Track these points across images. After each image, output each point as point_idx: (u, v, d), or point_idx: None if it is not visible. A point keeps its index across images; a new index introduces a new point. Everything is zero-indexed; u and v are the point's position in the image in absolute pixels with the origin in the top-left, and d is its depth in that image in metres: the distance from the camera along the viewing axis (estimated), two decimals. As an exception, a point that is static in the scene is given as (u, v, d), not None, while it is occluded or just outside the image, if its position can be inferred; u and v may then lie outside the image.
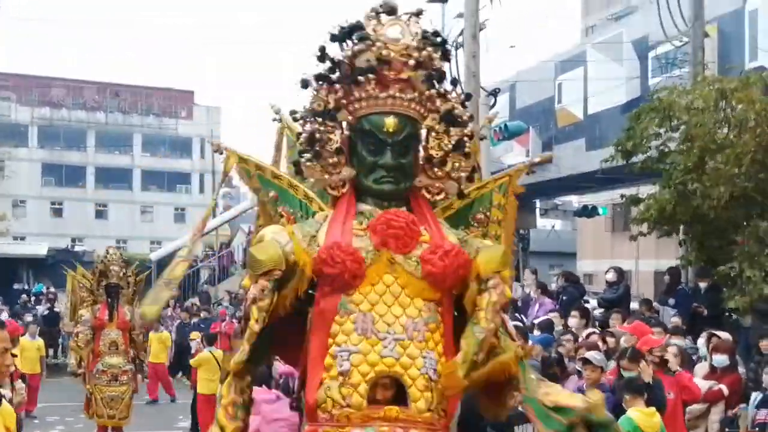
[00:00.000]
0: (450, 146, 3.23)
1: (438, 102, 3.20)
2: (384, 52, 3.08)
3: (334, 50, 3.19)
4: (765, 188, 9.83)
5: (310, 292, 3.10)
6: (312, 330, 3.09)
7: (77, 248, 37.42)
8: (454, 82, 3.41)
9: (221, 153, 3.71)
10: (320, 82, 3.18)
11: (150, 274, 16.12)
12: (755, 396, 7.03)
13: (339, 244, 3.02)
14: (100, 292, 9.46)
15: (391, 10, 3.17)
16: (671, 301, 10.60)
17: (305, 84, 3.22)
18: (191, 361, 12.21)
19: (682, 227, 10.93)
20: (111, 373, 9.22)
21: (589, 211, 22.29)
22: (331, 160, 3.18)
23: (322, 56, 3.18)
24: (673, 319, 9.60)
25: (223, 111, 51.79)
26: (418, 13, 3.21)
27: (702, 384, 7.16)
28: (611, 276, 11.27)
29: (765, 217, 9.73)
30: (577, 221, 28.27)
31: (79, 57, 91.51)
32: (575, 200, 27.93)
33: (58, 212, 48.39)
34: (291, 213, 3.52)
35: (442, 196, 3.31)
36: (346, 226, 3.12)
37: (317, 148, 3.18)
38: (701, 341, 8.38)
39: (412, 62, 3.10)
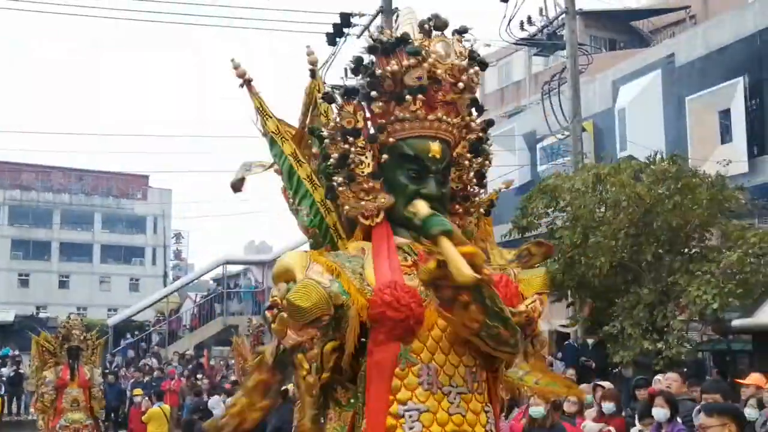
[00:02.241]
0: (473, 180, 2.61)
1: (476, 128, 2.59)
2: (435, 70, 2.44)
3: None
4: (638, 258, 10.06)
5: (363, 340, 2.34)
6: (367, 388, 2.31)
7: (41, 315, 35.88)
8: (480, 108, 2.65)
9: (244, 84, 2.84)
10: (349, 98, 2.51)
11: (107, 338, 15.59)
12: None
13: (399, 283, 2.29)
14: (63, 354, 9.24)
15: (442, 25, 2.53)
16: (559, 354, 10.65)
17: (331, 99, 2.58)
18: (143, 417, 11.75)
19: (569, 292, 11.07)
20: (73, 428, 8.98)
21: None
22: (366, 186, 2.47)
23: (357, 68, 2.51)
24: (568, 372, 9.60)
25: (174, 192, 51.24)
26: (463, 31, 2.58)
27: (593, 427, 7.10)
28: None
29: (640, 283, 9.94)
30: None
31: (48, 144, 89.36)
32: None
33: (24, 282, 46.74)
34: (288, 196, 2.79)
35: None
36: (393, 261, 2.38)
37: (349, 171, 2.48)
38: (588, 394, 8.37)
39: (461, 84, 2.48)
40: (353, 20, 14.55)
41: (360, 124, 2.50)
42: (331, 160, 2.51)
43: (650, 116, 16.62)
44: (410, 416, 2.26)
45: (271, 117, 2.83)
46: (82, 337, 9.35)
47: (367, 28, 14.60)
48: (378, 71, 2.45)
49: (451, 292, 2.12)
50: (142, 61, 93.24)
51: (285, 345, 2.39)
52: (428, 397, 2.27)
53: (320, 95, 2.80)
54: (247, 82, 2.83)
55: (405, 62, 2.43)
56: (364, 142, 2.48)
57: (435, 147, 2.43)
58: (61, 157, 65.35)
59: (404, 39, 2.47)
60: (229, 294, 24.51)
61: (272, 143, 2.81)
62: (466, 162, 2.58)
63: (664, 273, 9.86)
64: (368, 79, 2.47)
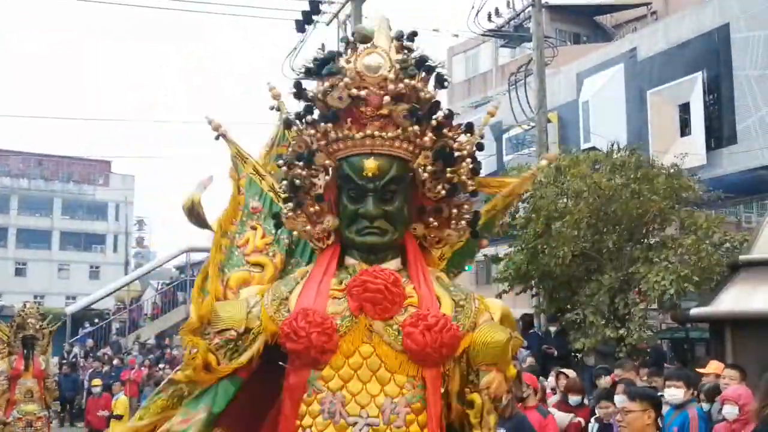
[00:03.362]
0: (444, 191, 2.41)
1: (428, 137, 2.37)
2: (354, 88, 2.34)
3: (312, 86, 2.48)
4: (600, 247, 10.20)
5: (282, 364, 2.34)
6: (282, 408, 2.33)
7: (-5, 303, 35.01)
8: (449, 114, 2.46)
9: (219, 137, 2.81)
10: (302, 122, 2.44)
11: (63, 326, 15.24)
12: (592, 425, 7.09)
13: (307, 312, 2.24)
14: (17, 344, 8.95)
15: (364, 39, 2.42)
16: (524, 343, 10.73)
17: (288, 124, 2.53)
18: (119, 410, 11.50)
19: (534, 281, 11.15)
20: (26, 419, 8.73)
21: (457, 267, 22.60)
22: (312, 209, 2.42)
23: (299, 93, 2.44)
24: (528, 359, 9.68)
25: (137, 179, 50.48)
26: (399, 37, 2.45)
27: (563, 417, 7.13)
28: None
29: (602, 272, 10.08)
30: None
31: (6, 127, 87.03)
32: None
33: (-22, 270, 45.43)
34: (267, 231, 2.77)
35: (441, 245, 2.54)
36: (322, 286, 2.34)
37: (299, 196, 2.43)
38: (551, 378, 8.45)
39: (387, 98, 2.35)
40: (322, 8, 14.43)
41: (314, 147, 2.40)
42: (283, 185, 2.49)
43: (613, 109, 16.86)
44: None
45: (247, 159, 2.86)
46: (37, 326, 9.10)
47: (336, 15, 14.48)
48: (310, 95, 2.42)
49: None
50: (108, 48, 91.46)
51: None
52: (327, 426, 2.23)
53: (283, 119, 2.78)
54: (223, 135, 2.84)
55: (325, 83, 2.38)
56: (318, 166, 2.41)
57: (369, 164, 2.33)
58: (20, 140, 64.07)
59: (328, 59, 2.42)
60: (193, 282, 24.08)
61: (250, 183, 2.83)
62: (435, 171, 2.39)
63: (624, 262, 10.01)
64: (305, 102, 2.43)
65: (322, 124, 2.38)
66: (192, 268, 25.41)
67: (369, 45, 2.41)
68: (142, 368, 15.93)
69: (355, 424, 2.22)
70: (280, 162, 2.52)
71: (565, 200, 10.38)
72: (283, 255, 2.72)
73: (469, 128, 2.48)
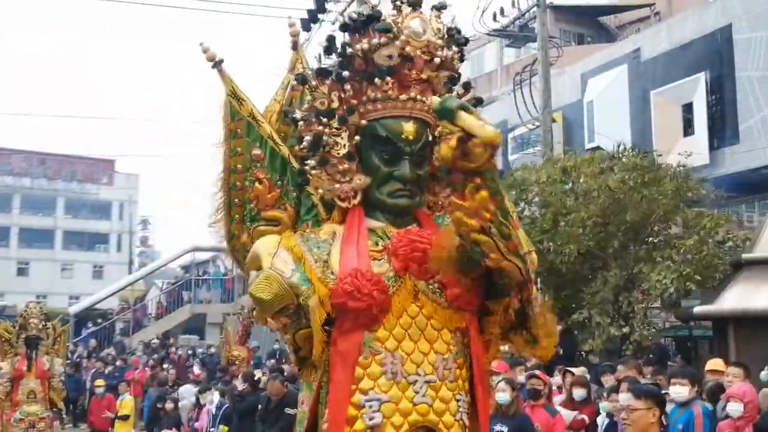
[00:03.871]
0: None
1: None
2: (408, 48, 2.31)
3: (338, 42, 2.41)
4: (605, 246, 10.29)
5: (327, 328, 2.27)
6: (330, 375, 2.24)
7: (-2, 303, 35.06)
8: (467, 85, 2.51)
9: (216, 66, 2.68)
10: (323, 78, 2.39)
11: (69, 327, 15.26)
12: (602, 421, 7.15)
13: (362, 271, 2.21)
14: (20, 344, 8.88)
15: (416, 2, 2.39)
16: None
17: (303, 80, 2.47)
18: (126, 411, 11.51)
19: (539, 279, 11.23)
20: (29, 421, 8.64)
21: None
22: (341, 167, 2.37)
23: (329, 48, 2.39)
24: (534, 359, 9.74)
25: (141, 178, 50.42)
26: (442, 7, 2.45)
27: (567, 414, 7.22)
28: None
29: (607, 270, 10.16)
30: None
31: (8, 126, 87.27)
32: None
33: (-21, 269, 45.45)
34: (273, 180, 2.65)
35: (442, 213, 2.53)
36: (361, 247, 2.29)
37: (323, 153, 2.38)
38: (557, 377, 8.51)
39: (436, 61, 2.36)
40: (328, 6, 14.51)
41: (335, 105, 2.38)
42: (304, 142, 2.42)
43: (617, 109, 16.95)
44: (371, 406, 2.18)
45: (245, 100, 2.69)
46: (40, 326, 9.01)
47: (342, 14, 14.56)
48: (348, 50, 2.34)
49: (462, 177, 2.04)
50: (111, 47, 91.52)
51: (272, 328, 2.33)
52: (391, 387, 2.20)
53: (296, 73, 2.72)
54: (218, 65, 2.68)
55: (375, 40, 2.31)
56: (339, 124, 2.39)
57: (408, 127, 2.33)
58: (23, 139, 64.10)
59: (375, 16, 2.35)
60: (198, 281, 24.22)
61: (249, 127, 2.68)
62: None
63: (629, 261, 10.09)
64: (339, 58, 2.37)
65: (361, 80, 2.34)
66: (197, 267, 25.49)
67: (415, 10, 2.39)
68: (146, 368, 15.97)
69: (415, 382, 2.21)
70: (296, 115, 2.45)
71: (572, 199, 10.45)
72: (293, 206, 2.64)
73: (480, 102, 2.58)
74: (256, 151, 2.64)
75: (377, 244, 2.33)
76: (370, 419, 2.17)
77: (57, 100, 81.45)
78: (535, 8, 15.14)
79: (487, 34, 18.08)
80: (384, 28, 2.31)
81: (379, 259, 2.29)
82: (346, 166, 2.38)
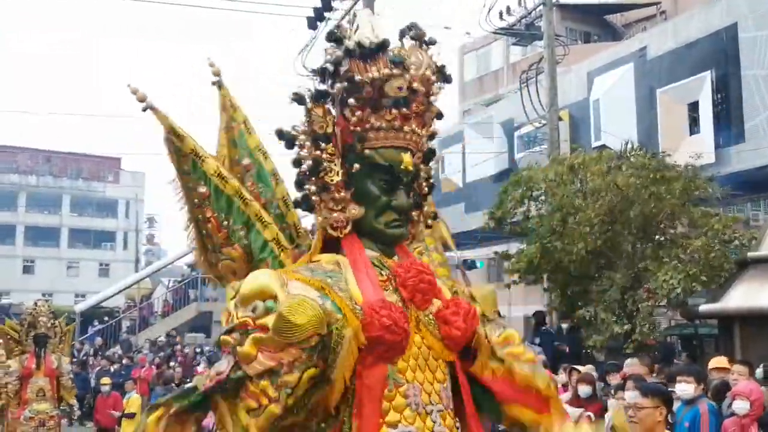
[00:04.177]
0: (425, 189, 2.52)
1: (432, 141, 2.51)
2: (415, 82, 2.34)
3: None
4: (612, 244, 10.33)
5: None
6: (355, 411, 2.17)
7: (4, 301, 35.14)
8: (439, 116, 2.53)
9: (146, 108, 2.57)
10: (319, 101, 2.35)
11: (75, 325, 15.31)
12: (607, 417, 7.18)
13: (393, 304, 2.19)
14: (28, 342, 8.89)
15: (419, 36, 2.41)
16: (536, 340, 10.85)
17: (300, 100, 2.38)
18: (132, 409, 11.55)
19: (546, 277, 11.28)
20: (38, 419, 8.64)
21: (468, 265, 22.75)
22: (337, 195, 2.34)
23: (335, 72, 2.33)
24: (538, 356, 9.76)
25: (147, 176, 50.44)
26: (431, 43, 2.45)
27: (573, 411, 7.26)
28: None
29: (613, 268, 10.20)
30: (458, 273, 28.71)
31: (14, 124, 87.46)
32: (456, 255, 28.39)
33: (-15, 267, 45.61)
34: (219, 219, 2.59)
35: (409, 242, 2.54)
36: (372, 277, 2.27)
37: (321, 180, 2.35)
38: (562, 375, 8.55)
39: (433, 97, 2.41)
40: (334, 5, 14.54)
41: (330, 129, 2.33)
42: (304, 166, 2.36)
43: (623, 107, 16.97)
44: None
45: (185, 137, 2.60)
46: (49, 324, 9.01)
47: (348, 12, 14.59)
48: (357, 77, 2.29)
49: None
50: (113, 47, 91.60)
51: (248, 371, 2.08)
52: (415, 419, 2.19)
53: (233, 104, 2.73)
54: (151, 107, 2.57)
55: (386, 71, 2.29)
56: (333, 149, 2.33)
57: (407, 158, 2.33)
58: (28, 137, 64.14)
59: (384, 45, 2.33)
60: (204, 279, 24.23)
61: (193, 164, 2.59)
62: (421, 171, 2.49)
63: (636, 259, 10.14)
64: (346, 83, 2.30)
65: (361, 109, 2.32)
66: (203, 265, 25.44)
67: (414, 44, 2.41)
68: (152, 366, 16.02)
69: (431, 412, 2.23)
70: (290, 137, 2.39)
71: (581, 198, 10.49)
72: (241, 246, 2.58)
73: (432, 135, 2.55)
74: (201, 189, 2.59)
75: (381, 275, 2.30)
76: None
77: (59, 99, 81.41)
78: (541, 6, 15.17)
79: (494, 33, 18.10)
80: (398, 60, 2.32)
81: (386, 290, 2.28)
82: (342, 194, 2.34)
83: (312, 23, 14.66)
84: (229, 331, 2.12)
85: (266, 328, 2.07)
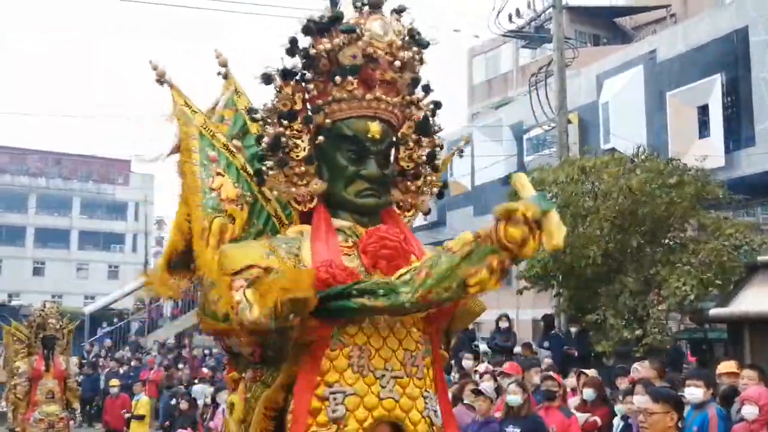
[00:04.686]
0: (423, 158, 2.53)
1: (413, 109, 2.49)
2: (371, 48, 2.34)
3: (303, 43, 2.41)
4: (623, 248, 10.29)
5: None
6: (300, 365, 2.22)
7: (14, 303, 35.34)
8: (426, 88, 2.54)
9: (163, 83, 2.69)
10: (287, 79, 2.39)
11: (82, 325, 15.38)
12: (617, 423, 7.17)
13: (335, 262, 2.20)
14: (37, 344, 8.94)
15: (376, 3, 2.42)
16: (545, 344, 10.83)
17: (268, 79, 2.42)
18: (141, 411, 11.59)
19: (557, 281, 11.21)
20: (48, 421, 8.68)
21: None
22: (298, 170, 2.39)
23: (292, 49, 2.38)
24: (546, 360, 9.76)
25: (157, 178, 50.56)
26: (401, 10, 2.47)
27: (579, 417, 7.25)
28: (504, 324, 11.23)
29: (624, 272, 10.16)
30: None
31: (24, 126, 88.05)
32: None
33: (-4, 268, 45.69)
34: (236, 186, 2.62)
35: (412, 212, 2.58)
36: (331, 243, 2.30)
37: (282, 155, 2.39)
38: (571, 379, 8.53)
39: (397, 63, 2.39)
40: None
41: (298, 106, 2.39)
42: (263, 143, 2.43)
43: (632, 110, 16.92)
44: (335, 399, 2.17)
45: (197, 112, 2.72)
46: (58, 326, 9.05)
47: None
48: (312, 51, 2.35)
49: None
50: (127, 46, 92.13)
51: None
52: (357, 380, 2.18)
53: (238, 90, 2.84)
54: (168, 82, 2.70)
55: (338, 40, 2.33)
56: (301, 125, 2.39)
57: (374, 127, 2.35)
58: (38, 139, 64.44)
59: (338, 17, 2.37)
60: (212, 284, 24.22)
61: (201, 137, 2.66)
62: (414, 141, 2.52)
63: (646, 263, 10.10)
64: (303, 59, 2.37)
65: (326, 80, 2.35)
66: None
67: (377, 11, 2.42)
68: (161, 368, 16.08)
69: (382, 377, 2.21)
70: (257, 116, 2.48)
71: (591, 200, 10.46)
72: (246, 211, 2.61)
73: (438, 106, 2.59)
74: (212, 153, 2.64)
75: (347, 241, 2.34)
76: (333, 411, 2.16)
77: (59, 100, 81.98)
78: (550, 9, 15.18)
79: (503, 36, 18.11)
80: (348, 28, 2.34)
81: (350, 255, 2.30)
82: (303, 169, 2.39)
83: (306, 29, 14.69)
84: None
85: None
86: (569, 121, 14.70)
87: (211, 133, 2.68)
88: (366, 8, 2.42)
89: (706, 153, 12.06)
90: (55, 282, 44.80)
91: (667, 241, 10.43)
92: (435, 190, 2.60)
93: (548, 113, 14.84)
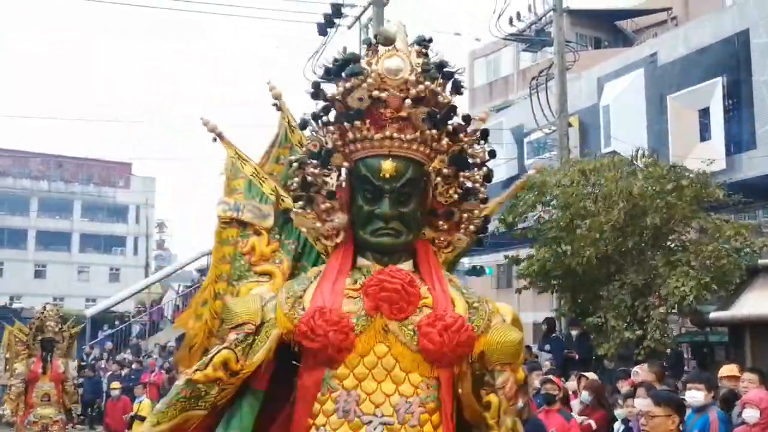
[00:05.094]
0: (456, 195, 2.47)
1: (445, 141, 2.44)
2: (376, 90, 2.36)
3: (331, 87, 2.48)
4: (623, 250, 10.28)
5: (295, 363, 2.33)
6: (295, 408, 2.31)
7: (15, 305, 35.36)
8: (467, 118, 2.48)
9: (216, 138, 2.76)
10: (318, 122, 2.48)
11: (83, 328, 15.38)
12: (617, 427, 7.15)
13: (324, 311, 2.24)
14: (36, 346, 8.93)
15: (387, 41, 2.43)
16: (547, 347, 10.80)
17: (304, 124, 2.53)
18: (143, 413, 11.56)
19: (557, 284, 11.18)
20: (42, 423, 8.68)
21: (477, 271, 22.68)
22: (323, 206, 2.44)
23: (316, 93, 2.46)
24: (545, 363, 9.74)
25: (158, 181, 50.69)
26: (422, 41, 2.48)
27: (579, 419, 7.21)
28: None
29: (624, 273, 10.13)
30: (467, 279, 28.67)
31: (25, 129, 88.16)
32: (465, 261, 28.36)
33: (-2, 271, 45.74)
34: (271, 234, 2.70)
35: (449, 249, 2.55)
36: (337, 286, 2.34)
37: (311, 194, 2.45)
38: (572, 382, 8.50)
39: (408, 101, 2.37)
40: (344, 11, 14.62)
41: (329, 146, 2.43)
42: (293, 184, 2.50)
43: (633, 113, 16.89)
44: None
45: (247, 161, 2.79)
46: (57, 329, 9.03)
47: (358, 19, 14.65)
48: (328, 95, 2.43)
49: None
50: (128, 49, 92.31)
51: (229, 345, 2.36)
52: (341, 425, 2.21)
53: (291, 125, 2.82)
54: (219, 136, 2.77)
55: (347, 84, 2.38)
56: (331, 165, 2.44)
57: (386, 165, 2.34)
58: (39, 142, 64.60)
59: (351, 59, 2.41)
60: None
61: (250, 186, 2.74)
62: (449, 176, 2.46)
63: (646, 266, 10.08)
64: (322, 104, 2.46)
65: (341, 124, 2.41)
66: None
67: (390, 48, 2.42)
68: (162, 371, 16.04)
69: (369, 422, 2.21)
70: (292, 159, 2.57)
71: (592, 203, 10.45)
72: (290, 260, 2.65)
73: (485, 135, 2.55)
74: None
75: (356, 282, 2.35)
76: None
77: (60, 101, 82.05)
78: (551, 13, 15.18)
79: (504, 39, 18.12)
80: (352, 72, 2.37)
81: (355, 297, 2.31)
82: (328, 205, 2.43)
83: (322, 29, 14.74)
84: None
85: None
86: (570, 125, 14.71)
87: (262, 181, 2.75)
88: (380, 47, 2.43)
89: (707, 156, 12.02)
90: (57, 285, 44.78)
91: (668, 243, 10.40)
92: (473, 227, 2.53)
93: (549, 116, 14.83)
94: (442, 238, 2.51)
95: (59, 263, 46.61)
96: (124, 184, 49.19)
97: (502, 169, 19.96)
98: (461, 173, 2.47)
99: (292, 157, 2.58)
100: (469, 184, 2.49)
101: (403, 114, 2.37)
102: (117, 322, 24.62)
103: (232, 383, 2.29)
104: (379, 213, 2.36)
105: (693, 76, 15.84)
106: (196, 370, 2.29)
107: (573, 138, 15.65)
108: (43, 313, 9.22)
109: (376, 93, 2.36)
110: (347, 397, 2.23)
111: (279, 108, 2.84)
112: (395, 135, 2.37)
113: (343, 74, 2.39)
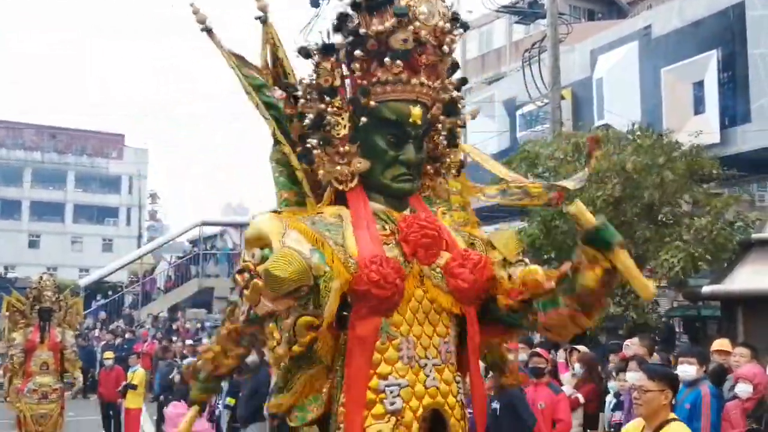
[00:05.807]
0: (444, 140, 2.48)
1: (454, 93, 2.47)
2: (423, 33, 2.29)
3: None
4: (615, 225, 10.17)
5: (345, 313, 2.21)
6: (347, 359, 2.20)
7: (10, 275, 35.33)
8: (454, 67, 2.48)
9: (205, 29, 2.54)
10: (327, 54, 2.33)
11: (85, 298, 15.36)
12: (609, 400, 7.11)
13: (386, 259, 2.18)
14: (33, 316, 8.89)
15: None
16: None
17: (306, 54, 2.36)
18: (135, 381, 11.54)
19: (547, 259, 11.12)
20: (41, 391, 8.67)
21: (468, 243, 22.67)
22: (341, 149, 2.32)
23: (340, 25, 2.32)
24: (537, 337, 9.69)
25: (151, 152, 50.48)
26: None
27: (569, 391, 7.16)
28: None
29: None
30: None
31: (19, 100, 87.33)
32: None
33: (-9, 241, 45.80)
34: None
35: (427, 193, 2.53)
36: (372, 232, 2.27)
37: (324, 133, 2.33)
38: (561, 353, 8.45)
39: (445, 48, 2.35)
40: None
41: (338, 83, 2.32)
42: (307, 120, 2.35)
43: (627, 86, 16.71)
44: (391, 392, 2.18)
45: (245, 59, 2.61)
46: (54, 298, 9.01)
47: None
48: (362, 30, 2.28)
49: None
50: (114, 48, 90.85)
51: (257, 312, 2.17)
52: (407, 371, 2.21)
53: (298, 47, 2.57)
54: (208, 30, 2.54)
55: (389, 23, 2.26)
56: (340, 103, 2.33)
57: (416, 111, 2.30)
58: (33, 113, 64.07)
59: None
60: (206, 256, 24.35)
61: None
62: (439, 123, 2.46)
63: (638, 240, 9.99)
64: (351, 37, 2.30)
65: (363, 62, 2.29)
66: (205, 241, 25.57)
67: None
68: (154, 341, 16.08)
69: (425, 366, 2.24)
70: (296, 91, 2.41)
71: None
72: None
73: (464, 82, 2.55)
74: (278, 93, 2.53)
75: (384, 228, 2.31)
76: (392, 404, 2.17)
77: (59, 102, 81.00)
78: (545, -16, 14.91)
79: (496, 11, 17.84)
80: (401, 11, 2.26)
81: (388, 244, 2.28)
82: (347, 148, 2.33)
83: (314, 1, 14.45)
84: (239, 271, 2.19)
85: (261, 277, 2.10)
86: (562, 97, 14.54)
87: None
88: None
89: (701, 129, 11.88)
90: (50, 255, 44.88)
91: (660, 217, 10.31)
92: (453, 171, 2.55)
93: (541, 89, 14.67)
94: (427, 183, 2.50)
95: (53, 233, 46.71)
96: (117, 155, 49.12)
97: (493, 141, 19.84)
98: (446, 120, 2.47)
99: (299, 89, 2.39)
100: (452, 130, 2.49)
101: (430, 61, 2.33)
102: (110, 293, 24.61)
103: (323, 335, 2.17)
104: (404, 159, 2.32)
105: (687, 48, 15.64)
106: (287, 347, 2.14)
107: (566, 111, 15.49)
108: (40, 282, 9.19)
109: (423, 36, 2.29)
110: (407, 343, 2.22)
111: (264, 21, 2.60)
112: (425, 81, 2.33)
113: (390, 12, 2.26)
